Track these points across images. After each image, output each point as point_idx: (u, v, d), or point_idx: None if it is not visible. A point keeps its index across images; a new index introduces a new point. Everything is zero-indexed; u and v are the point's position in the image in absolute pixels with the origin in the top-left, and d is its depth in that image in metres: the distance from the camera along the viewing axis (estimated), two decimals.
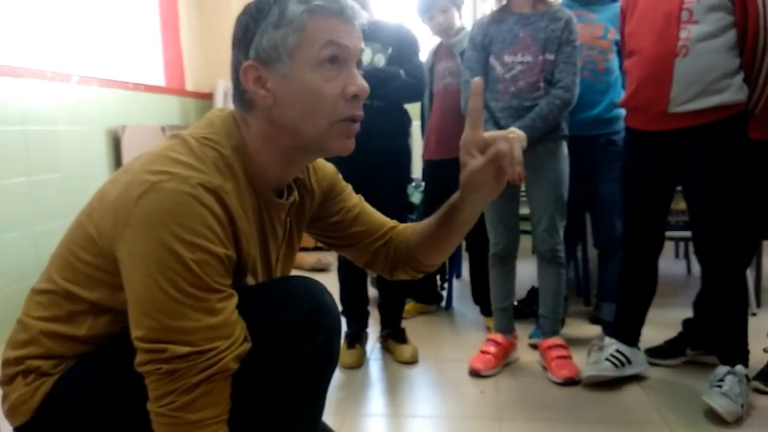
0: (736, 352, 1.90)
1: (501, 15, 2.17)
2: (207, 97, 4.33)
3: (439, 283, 3.18)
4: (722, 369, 1.88)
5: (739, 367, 1.86)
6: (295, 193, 1.12)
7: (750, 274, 2.72)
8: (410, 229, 1.24)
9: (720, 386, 1.82)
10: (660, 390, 2.04)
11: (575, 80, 2.11)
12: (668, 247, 4.17)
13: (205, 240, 0.87)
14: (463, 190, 1.07)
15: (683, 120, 1.84)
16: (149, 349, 0.87)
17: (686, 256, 3.80)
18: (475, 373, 2.18)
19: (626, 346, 2.10)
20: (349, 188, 1.26)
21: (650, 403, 1.94)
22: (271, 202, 1.05)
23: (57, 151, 2.87)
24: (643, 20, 1.90)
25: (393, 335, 2.43)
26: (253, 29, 0.96)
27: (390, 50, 2.27)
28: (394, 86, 2.22)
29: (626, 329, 2.13)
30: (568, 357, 2.19)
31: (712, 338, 2.10)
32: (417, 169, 2.94)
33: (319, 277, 1.07)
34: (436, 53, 2.69)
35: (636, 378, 2.10)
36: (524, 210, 2.32)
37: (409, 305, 2.90)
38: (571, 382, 2.08)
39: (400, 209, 2.43)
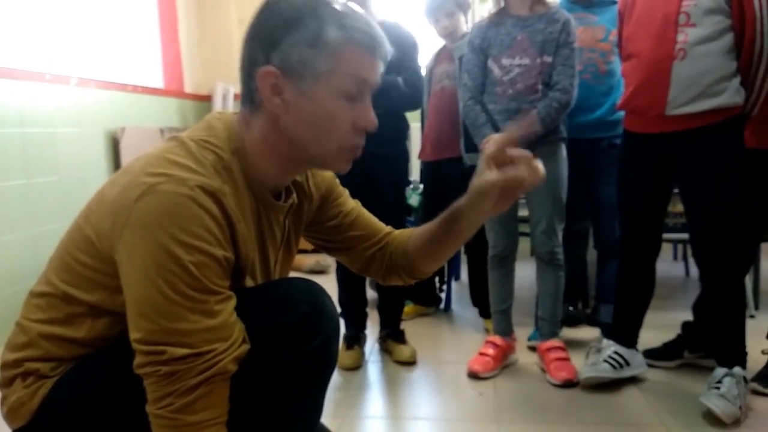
0: (734, 354, 1.90)
1: (499, 18, 2.18)
2: (205, 99, 4.34)
3: (437, 285, 3.18)
4: (720, 371, 1.88)
5: (737, 369, 1.87)
6: (294, 196, 1.13)
7: (748, 277, 2.73)
8: (407, 234, 1.24)
9: (718, 388, 1.82)
10: (658, 392, 2.04)
11: (573, 82, 2.11)
12: (666, 250, 4.17)
13: (203, 242, 0.88)
14: (469, 197, 1.07)
15: (680, 123, 1.85)
16: (148, 351, 0.87)
17: (684, 259, 3.81)
18: (473, 375, 2.18)
19: (624, 347, 2.10)
20: (346, 193, 1.26)
21: (648, 404, 1.94)
22: (269, 205, 1.05)
23: (55, 154, 2.87)
24: (640, 24, 1.91)
25: (392, 336, 2.44)
26: (281, 34, 0.94)
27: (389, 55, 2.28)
28: (393, 96, 2.23)
29: (624, 331, 2.14)
30: (567, 359, 2.19)
31: (711, 340, 2.10)
32: (415, 172, 2.94)
33: (317, 279, 1.08)
34: (438, 55, 2.71)
35: (634, 380, 2.11)
36: (523, 212, 2.32)
37: (408, 307, 2.90)
38: (569, 384, 2.08)
39: (398, 212, 2.44)
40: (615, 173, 2.15)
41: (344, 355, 2.29)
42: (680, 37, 1.81)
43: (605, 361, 2.07)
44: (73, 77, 3.01)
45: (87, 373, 0.97)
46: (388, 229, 1.27)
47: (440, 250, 1.19)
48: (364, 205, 1.29)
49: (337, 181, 1.25)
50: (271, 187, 1.05)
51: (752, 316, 2.72)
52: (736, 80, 1.81)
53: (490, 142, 1.03)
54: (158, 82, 3.84)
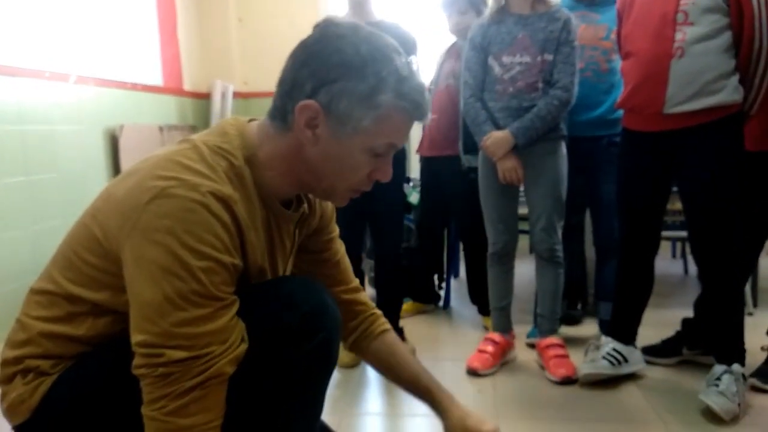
0: (732, 351, 1.91)
1: (500, 16, 2.18)
2: (204, 97, 4.33)
3: (437, 282, 3.19)
4: (719, 368, 1.88)
5: (735, 366, 1.87)
6: (305, 206, 1.14)
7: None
8: (382, 335, 1.30)
9: (717, 385, 1.83)
10: (657, 388, 2.04)
11: (573, 80, 2.12)
12: (665, 248, 4.18)
13: (212, 248, 0.88)
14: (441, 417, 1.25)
15: (679, 121, 1.85)
16: (147, 353, 0.87)
17: (683, 256, 3.81)
18: (472, 372, 2.19)
19: (623, 344, 2.11)
20: (338, 231, 1.29)
21: (647, 401, 1.95)
22: (280, 214, 1.06)
23: (55, 151, 2.87)
24: (638, 22, 1.91)
25: None
26: (337, 76, 0.93)
27: None
28: None
29: (623, 328, 2.14)
30: (566, 356, 2.20)
31: (710, 338, 2.11)
32: (415, 170, 2.95)
33: None
34: (448, 51, 2.73)
35: (633, 376, 2.11)
36: (523, 210, 2.33)
37: (407, 304, 2.91)
38: (568, 380, 2.09)
39: (398, 210, 2.44)
40: (615, 171, 2.16)
41: (343, 353, 2.28)
42: (678, 36, 1.81)
43: (604, 357, 2.08)
44: (72, 75, 3.01)
45: (87, 371, 0.97)
46: (377, 310, 1.34)
47: (388, 377, 1.32)
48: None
49: (335, 216, 1.28)
50: (281, 197, 1.06)
51: (751, 314, 2.73)
52: (735, 78, 1.82)
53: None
54: (157, 80, 3.83)
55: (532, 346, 2.40)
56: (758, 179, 1.99)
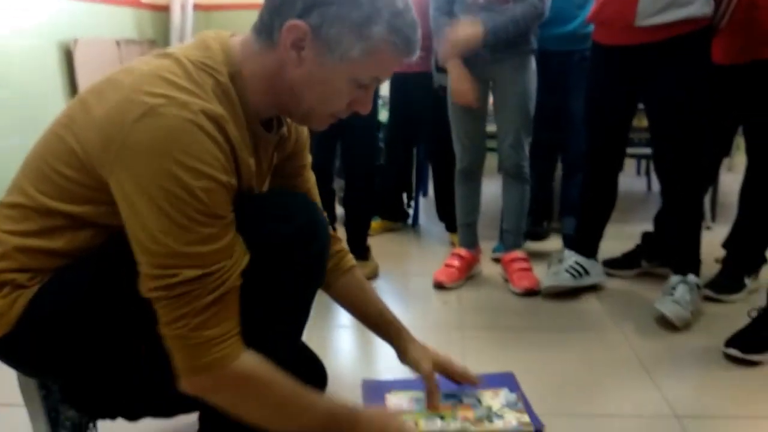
0: (688, 262, 1.98)
1: None
2: (163, 10, 4.13)
3: (405, 200, 3.21)
4: (675, 278, 1.96)
5: (690, 277, 1.95)
6: (284, 129, 1.12)
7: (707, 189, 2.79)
8: (349, 271, 1.33)
9: (672, 294, 1.91)
10: (616, 299, 2.13)
11: None
12: (630, 165, 4.25)
13: (210, 167, 0.87)
14: (399, 351, 1.33)
15: (649, 34, 1.83)
16: (159, 275, 0.87)
17: (647, 174, 3.89)
18: (439, 286, 2.24)
19: (585, 258, 2.17)
20: (310, 160, 1.27)
21: (605, 311, 2.03)
22: (260, 135, 1.04)
23: (7, 67, 2.73)
24: None
25: (355, 252, 2.46)
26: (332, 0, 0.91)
27: None
28: None
29: (585, 242, 2.20)
30: (529, 269, 2.26)
31: (668, 250, 2.18)
32: (385, 87, 2.89)
33: None
34: None
35: (593, 288, 2.19)
36: (491, 127, 2.32)
37: (375, 223, 2.92)
38: (530, 292, 2.15)
39: (370, 126, 2.40)
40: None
41: None
42: None
43: (566, 270, 2.14)
44: None
45: (69, 283, 0.95)
46: (345, 246, 1.36)
47: (353, 311, 1.34)
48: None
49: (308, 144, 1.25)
50: (260, 118, 1.04)
51: (709, 228, 2.81)
52: None
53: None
54: None
55: (497, 260, 2.45)
56: (724, 93, 2.01)
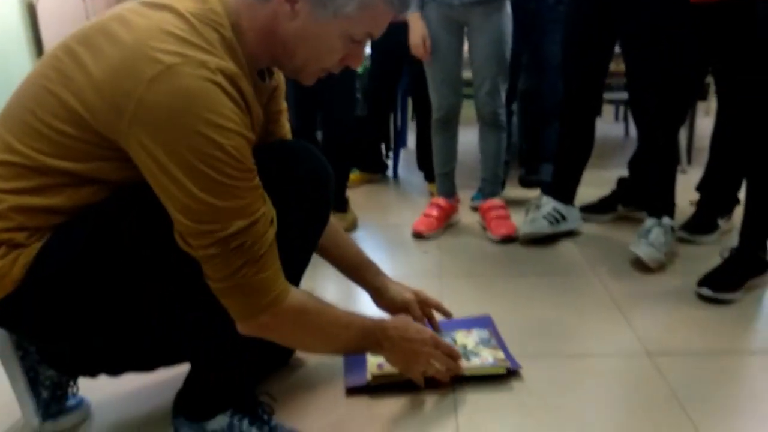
0: (663, 204, 2.00)
1: None
2: None
3: (384, 152, 3.19)
4: (650, 221, 1.98)
5: (665, 219, 1.97)
6: (276, 78, 1.13)
7: (683, 133, 2.81)
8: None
9: (647, 236, 1.93)
10: (592, 243, 2.15)
11: None
12: (608, 111, 4.25)
13: (236, 125, 0.88)
14: (373, 293, 1.40)
15: None
16: (208, 230, 0.88)
17: (625, 119, 3.89)
18: (418, 235, 2.25)
19: (562, 204, 2.18)
20: (285, 107, 1.27)
21: (582, 255, 2.06)
22: (259, 86, 1.04)
23: None
24: None
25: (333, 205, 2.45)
26: None
27: None
28: None
29: (562, 188, 2.21)
30: (507, 216, 2.27)
31: (643, 194, 2.20)
32: None
33: None
34: None
35: (570, 233, 2.21)
36: (467, 74, 2.29)
37: (354, 175, 2.92)
38: (508, 239, 2.18)
39: (349, 78, 2.36)
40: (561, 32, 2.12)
41: None
42: None
43: (543, 217, 2.15)
44: None
45: (73, 240, 0.93)
46: None
47: (329, 256, 1.37)
48: None
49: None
50: (256, 69, 1.03)
51: (684, 172, 2.84)
52: None
53: None
54: None
55: (476, 209, 2.46)
56: (701, 31, 1.99)
